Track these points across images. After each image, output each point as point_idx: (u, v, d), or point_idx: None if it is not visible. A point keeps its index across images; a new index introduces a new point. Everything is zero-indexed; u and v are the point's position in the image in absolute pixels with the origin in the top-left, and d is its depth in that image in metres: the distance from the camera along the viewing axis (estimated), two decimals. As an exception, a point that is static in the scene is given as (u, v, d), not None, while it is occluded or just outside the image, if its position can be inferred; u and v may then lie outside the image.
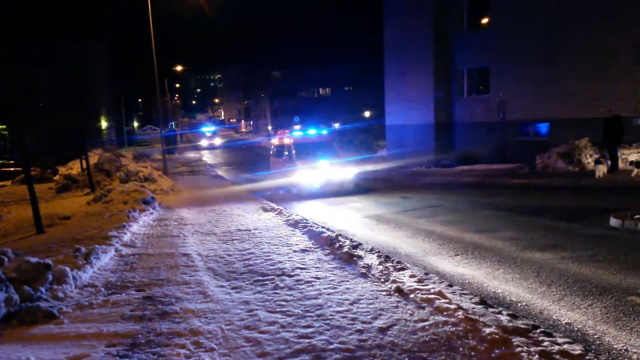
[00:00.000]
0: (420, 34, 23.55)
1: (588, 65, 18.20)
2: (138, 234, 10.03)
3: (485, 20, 22.45)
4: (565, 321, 4.75)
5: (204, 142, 51.84)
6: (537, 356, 3.87)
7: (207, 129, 58.30)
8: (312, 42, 54.07)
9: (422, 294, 5.33)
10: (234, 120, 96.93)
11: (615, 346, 4.18)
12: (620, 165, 15.31)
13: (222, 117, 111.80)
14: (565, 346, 4.04)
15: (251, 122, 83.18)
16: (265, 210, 12.59)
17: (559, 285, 5.79)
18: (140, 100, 70.52)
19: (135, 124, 65.54)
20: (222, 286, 6.25)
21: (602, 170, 14.50)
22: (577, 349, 3.98)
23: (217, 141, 52.91)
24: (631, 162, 14.45)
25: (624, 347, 4.15)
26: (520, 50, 20.39)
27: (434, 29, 23.03)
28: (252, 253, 7.97)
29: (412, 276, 6.04)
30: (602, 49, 17.68)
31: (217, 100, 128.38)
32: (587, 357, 3.86)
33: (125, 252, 8.43)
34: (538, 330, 4.41)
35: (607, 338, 4.34)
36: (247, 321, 5.00)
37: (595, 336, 4.39)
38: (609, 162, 15.15)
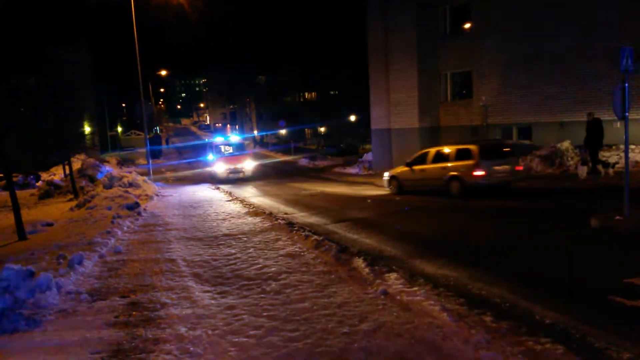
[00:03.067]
0: (404, 39, 23.72)
1: (569, 70, 18.51)
2: (122, 240, 9.94)
3: (467, 26, 22.71)
4: (548, 321, 4.81)
5: (218, 167, 25.35)
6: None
7: (222, 140, 28.97)
8: (297, 47, 54.14)
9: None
10: (220, 125, 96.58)
11: (596, 345, 4.25)
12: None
13: (208, 122, 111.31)
14: (547, 346, 4.11)
15: (237, 127, 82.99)
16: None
17: (541, 286, 5.87)
18: (124, 105, 69.91)
19: (119, 129, 64.92)
20: (207, 291, 6.23)
21: (584, 172, 14.76)
22: (559, 348, 4.05)
23: (249, 164, 26.24)
24: (605, 164, 14.78)
25: (606, 347, 4.22)
26: (502, 55, 20.68)
27: (417, 34, 23.22)
28: (237, 258, 7.95)
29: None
30: (582, 54, 18.00)
31: (202, 105, 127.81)
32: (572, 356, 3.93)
33: (109, 259, 8.35)
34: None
35: (590, 338, 4.40)
36: (234, 326, 4.99)
37: (577, 336, 4.45)
38: (590, 164, 15.43)
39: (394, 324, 4.78)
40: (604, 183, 13.78)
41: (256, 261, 7.63)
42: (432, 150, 15.01)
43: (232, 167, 25.13)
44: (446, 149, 14.40)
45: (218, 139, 29.19)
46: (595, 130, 15.12)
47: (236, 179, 24.54)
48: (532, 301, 5.35)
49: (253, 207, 13.73)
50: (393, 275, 6.20)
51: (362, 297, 5.64)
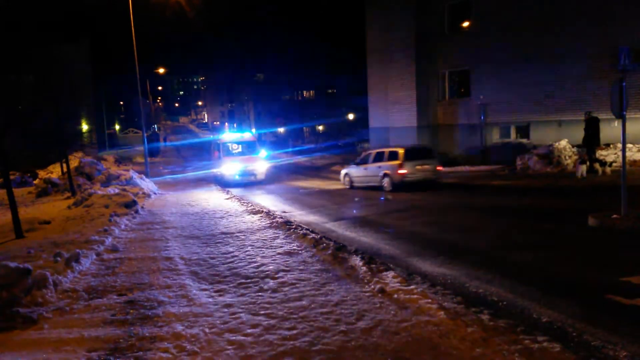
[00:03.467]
0: (402, 37, 23.72)
1: (566, 69, 18.54)
2: (120, 238, 9.93)
3: (465, 24, 22.72)
4: (545, 320, 4.82)
5: (226, 168, 21.25)
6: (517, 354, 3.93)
7: (230, 137, 24.26)
8: (296, 45, 54.09)
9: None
10: (217, 123, 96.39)
11: (593, 343, 4.25)
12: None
13: (206, 120, 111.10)
14: (544, 344, 4.11)
15: (235, 125, 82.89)
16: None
17: (539, 284, 5.88)
18: (122, 102, 69.85)
19: (117, 127, 64.82)
20: (205, 289, 6.22)
21: (583, 170, 14.78)
22: (556, 347, 4.05)
23: (262, 165, 21.94)
24: (602, 163, 14.80)
25: (603, 345, 4.22)
26: (500, 54, 20.71)
27: (416, 33, 23.21)
28: (235, 256, 7.94)
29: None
30: (580, 53, 18.02)
31: (200, 103, 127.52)
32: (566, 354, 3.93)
33: (106, 257, 8.33)
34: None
35: (587, 336, 4.40)
36: (231, 324, 4.98)
37: (574, 334, 4.45)
38: (588, 163, 15.45)
39: (391, 322, 4.78)
40: (601, 181, 13.80)
41: (254, 259, 7.62)
42: (374, 152, 17.31)
43: (242, 168, 21.20)
44: (382, 151, 16.71)
45: (226, 136, 24.60)
46: (592, 128, 15.15)
47: (247, 183, 20.99)
48: (529, 299, 5.35)
49: (251, 205, 13.72)
50: (390, 274, 6.19)
51: (359, 295, 5.64)
